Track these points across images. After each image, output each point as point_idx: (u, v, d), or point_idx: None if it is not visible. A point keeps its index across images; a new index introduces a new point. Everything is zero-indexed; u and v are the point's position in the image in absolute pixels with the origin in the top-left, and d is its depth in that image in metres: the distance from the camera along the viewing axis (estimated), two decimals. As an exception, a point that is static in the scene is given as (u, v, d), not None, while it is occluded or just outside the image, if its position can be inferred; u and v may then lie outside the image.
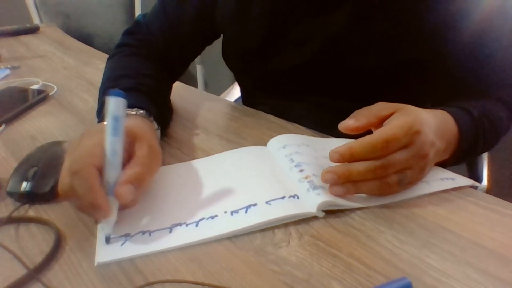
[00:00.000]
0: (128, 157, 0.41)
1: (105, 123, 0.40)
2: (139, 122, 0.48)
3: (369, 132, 0.44)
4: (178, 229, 0.40)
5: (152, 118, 0.52)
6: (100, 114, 0.55)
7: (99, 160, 0.38)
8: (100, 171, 0.38)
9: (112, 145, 0.39)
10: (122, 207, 0.40)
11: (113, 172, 0.39)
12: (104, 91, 0.58)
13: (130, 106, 0.50)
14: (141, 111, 0.51)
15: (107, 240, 0.38)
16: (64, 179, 0.38)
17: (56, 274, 0.36)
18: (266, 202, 0.42)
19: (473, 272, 0.35)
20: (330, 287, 0.33)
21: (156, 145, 0.46)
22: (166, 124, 0.62)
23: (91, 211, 0.38)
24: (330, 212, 0.42)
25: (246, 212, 0.41)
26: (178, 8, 0.69)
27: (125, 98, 0.40)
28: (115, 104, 0.39)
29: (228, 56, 0.74)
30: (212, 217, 0.41)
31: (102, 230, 0.39)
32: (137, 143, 0.42)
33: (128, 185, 0.38)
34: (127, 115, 0.48)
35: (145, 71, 0.63)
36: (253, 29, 0.64)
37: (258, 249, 0.38)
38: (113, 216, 0.38)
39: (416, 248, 0.37)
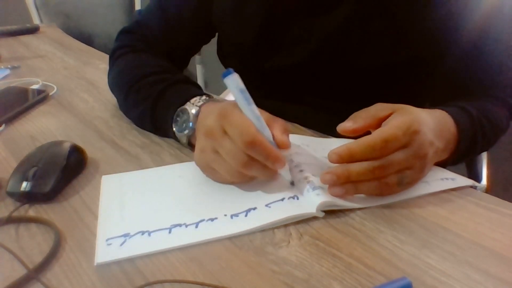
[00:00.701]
0: None
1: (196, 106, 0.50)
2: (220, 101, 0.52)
3: (369, 133, 0.44)
4: (177, 230, 0.40)
5: (213, 96, 0.55)
6: (160, 110, 0.56)
7: (255, 127, 0.42)
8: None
9: (253, 112, 0.43)
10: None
11: (266, 132, 0.44)
12: (144, 88, 0.59)
13: (198, 94, 0.54)
14: (204, 97, 0.53)
15: (293, 183, 0.45)
16: (239, 155, 0.41)
17: (56, 274, 0.36)
18: (266, 205, 0.42)
19: (473, 272, 0.35)
20: (330, 287, 0.33)
21: None
22: None
23: (273, 167, 0.42)
24: (330, 212, 0.42)
25: (246, 216, 0.41)
26: (176, 6, 0.69)
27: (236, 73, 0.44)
28: (235, 80, 0.43)
29: (224, 54, 0.73)
30: (212, 220, 0.41)
31: (285, 177, 0.45)
32: None
33: (285, 133, 0.45)
34: (208, 101, 0.52)
35: (173, 67, 0.65)
36: (248, 26, 0.64)
37: (258, 249, 0.38)
38: (286, 163, 0.44)
39: (416, 248, 0.37)
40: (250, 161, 0.41)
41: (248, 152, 0.41)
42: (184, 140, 0.53)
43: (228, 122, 0.42)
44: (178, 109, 0.53)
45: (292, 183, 0.45)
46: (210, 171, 0.46)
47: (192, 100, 0.52)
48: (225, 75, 0.43)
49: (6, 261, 0.37)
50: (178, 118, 0.53)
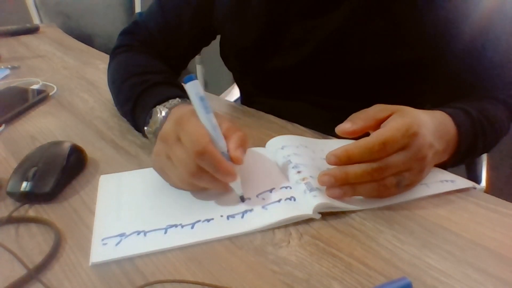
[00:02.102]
0: None
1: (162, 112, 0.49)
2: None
3: (368, 134, 0.44)
4: (173, 230, 0.40)
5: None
6: (137, 111, 0.57)
7: (209, 137, 0.42)
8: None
9: (210, 121, 0.43)
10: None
11: (221, 143, 0.43)
12: (132, 88, 0.59)
13: (172, 97, 0.53)
14: (184, 99, 0.54)
15: (242, 199, 0.43)
16: (189, 164, 0.41)
17: (56, 274, 0.36)
18: (263, 207, 0.42)
19: (473, 272, 0.35)
20: (330, 287, 0.33)
21: None
22: None
23: (223, 180, 0.42)
24: (330, 212, 0.42)
25: (242, 217, 0.41)
26: (176, 7, 0.69)
27: (196, 79, 0.43)
28: (195, 87, 0.43)
29: (226, 55, 0.74)
30: (208, 220, 0.41)
31: (235, 191, 0.44)
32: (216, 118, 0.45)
33: (240, 148, 0.43)
34: (180, 103, 0.53)
35: (163, 68, 0.65)
36: (250, 28, 0.64)
37: (258, 249, 0.38)
38: (239, 176, 0.43)
39: (416, 248, 0.37)
40: (200, 171, 0.41)
41: (197, 162, 0.40)
42: (153, 141, 0.53)
43: (183, 129, 0.42)
44: (151, 111, 0.53)
45: (242, 198, 0.43)
46: (164, 175, 0.45)
47: (164, 103, 0.53)
48: (186, 81, 0.42)
49: (6, 261, 0.37)
50: (149, 120, 0.53)
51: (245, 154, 0.43)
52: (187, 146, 0.40)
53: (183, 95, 0.54)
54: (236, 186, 0.43)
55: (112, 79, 0.68)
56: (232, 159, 0.42)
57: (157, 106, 0.53)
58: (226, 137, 0.44)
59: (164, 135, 0.43)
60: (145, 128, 0.54)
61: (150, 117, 0.53)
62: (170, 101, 0.53)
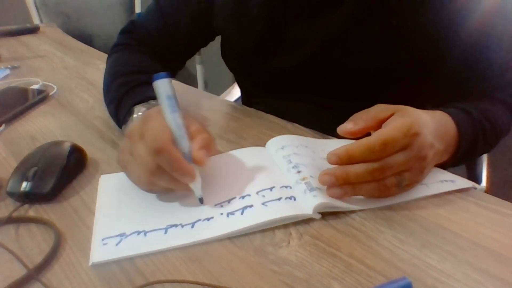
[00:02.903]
0: None
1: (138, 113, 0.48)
2: None
3: (369, 134, 0.44)
4: (173, 230, 0.40)
5: None
6: (120, 110, 0.57)
7: (170, 136, 0.42)
8: (174, 146, 0.42)
9: (175, 120, 0.42)
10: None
11: (184, 143, 0.42)
12: (119, 88, 0.59)
13: (154, 97, 0.52)
14: None
15: (201, 201, 0.43)
16: (148, 162, 0.40)
17: (56, 274, 0.36)
18: (263, 204, 0.42)
19: (473, 272, 0.35)
20: (330, 287, 0.33)
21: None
22: None
23: (180, 180, 0.41)
24: (330, 212, 0.42)
25: (242, 213, 0.41)
26: (174, 8, 0.69)
27: (170, 77, 0.43)
28: (164, 85, 0.43)
29: (226, 56, 0.74)
30: (208, 219, 0.41)
31: (195, 192, 0.43)
32: (186, 119, 0.45)
33: (202, 149, 0.43)
34: (153, 105, 0.52)
35: (154, 67, 0.65)
36: (251, 29, 0.65)
37: (258, 249, 0.38)
38: (199, 179, 0.43)
39: (416, 248, 0.37)
40: (158, 169, 0.40)
41: (155, 160, 0.40)
42: None
43: (146, 127, 0.42)
44: (130, 110, 0.54)
45: (201, 200, 0.43)
46: (127, 173, 0.45)
47: (144, 103, 0.53)
48: (154, 78, 0.42)
49: (6, 261, 0.37)
50: (128, 119, 0.54)
51: (209, 156, 0.43)
52: (147, 143, 0.40)
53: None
54: (196, 187, 0.42)
55: (104, 78, 0.68)
56: (193, 160, 0.42)
57: (136, 106, 0.53)
58: (192, 138, 0.43)
59: (129, 133, 0.44)
60: (123, 127, 0.54)
61: (130, 116, 0.53)
62: (151, 101, 0.53)
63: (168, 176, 0.41)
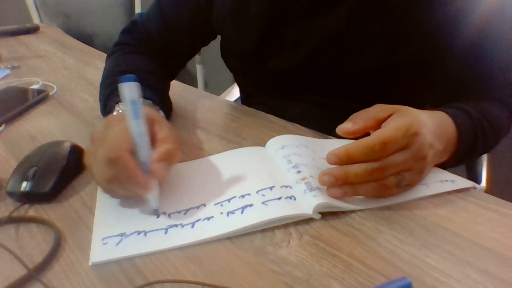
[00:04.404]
0: (151, 140, 0.43)
1: (119, 111, 0.45)
2: (150, 109, 0.50)
3: (368, 134, 0.44)
4: (173, 230, 0.40)
5: (158, 107, 0.54)
6: (106, 109, 0.56)
7: (129, 144, 0.41)
8: (132, 154, 0.41)
9: (137, 127, 0.41)
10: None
11: (144, 153, 0.41)
12: (108, 87, 0.60)
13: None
14: (148, 101, 0.53)
15: (156, 212, 0.42)
16: (103, 170, 0.40)
17: (56, 274, 0.36)
18: (263, 203, 0.42)
19: (473, 272, 0.35)
20: (330, 287, 0.33)
21: (173, 128, 0.48)
22: (168, 119, 0.64)
23: (135, 191, 0.41)
24: (330, 212, 0.42)
25: (242, 212, 0.41)
26: (175, 8, 0.69)
27: (136, 81, 0.41)
28: (129, 89, 0.41)
29: (226, 56, 0.74)
30: (208, 218, 0.41)
31: (150, 203, 0.42)
32: (156, 125, 0.45)
33: (162, 162, 0.41)
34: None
35: (147, 68, 0.65)
36: (250, 29, 0.65)
37: (258, 249, 0.38)
38: (156, 190, 0.41)
39: (416, 248, 0.37)
40: (113, 178, 0.40)
41: (111, 169, 0.39)
42: None
43: (107, 132, 0.41)
44: (112, 109, 0.53)
45: (156, 212, 0.42)
46: (91, 174, 0.44)
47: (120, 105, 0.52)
48: (120, 81, 0.40)
49: (6, 261, 0.37)
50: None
51: (169, 168, 0.42)
52: (103, 152, 0.40)
53: (153, 98, 0.54)
54: (152, 198, 0.41)
55: (101, 79, 0.68)
56: (151, 171, 0.41)
57: (118, 104, 0.52)
58: (157, 147, 0.42)
59: (93, 135, 0.43)
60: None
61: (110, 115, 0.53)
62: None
63: (124, 186, 0.40)
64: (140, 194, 0.41)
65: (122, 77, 0.41)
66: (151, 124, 0.44)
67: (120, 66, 0.65)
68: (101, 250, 0.38)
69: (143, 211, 0.43)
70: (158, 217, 0.42)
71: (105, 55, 0.72)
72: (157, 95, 0.57)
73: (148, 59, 0.68)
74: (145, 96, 0.53)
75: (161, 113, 0.54)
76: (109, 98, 0.57)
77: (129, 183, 0.40)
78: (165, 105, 0.58)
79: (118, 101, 0.52)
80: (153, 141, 0.43)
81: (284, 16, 0.62)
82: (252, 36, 0.65)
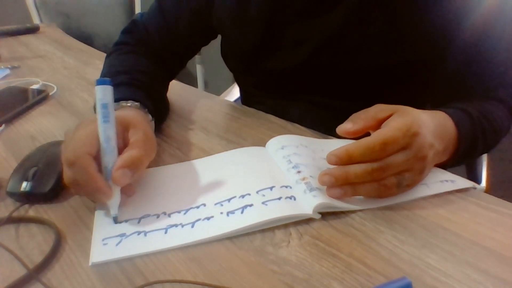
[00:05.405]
0: (124, 145, 0.43)
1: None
2: (133, 112, 0.50)
3: (368, 134, 0.44)
4: (173, 230, 0.40)
5: (146, 110, 0.54)
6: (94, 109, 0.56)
7: (94, 148, 0.40)
8: (97, 158, 0.41)
9: (104, 131, 0.41)
10: (126, 194, 0.44)
11: (109, 158, 0.41)
12: None
13: (125, 98, 0.52)
14: (136, 103, 0.53)
15: (115, 220, 0.41)
16: (65, 171, 0.41)
17: (56, 274, 0.36)
18: (263, 203, 0.42)
19: (473, 272, 0.35)
20: (330, 287, 0.33)
21: (150, 132, 0.48)
22: (162, 120, 0.63)
23: (95, 196, 0.41)
24: (330, 212, 0.42)
25: (242, 212, 0.41)
26: (175, 8, 0.69)
27: (111, 85, 0.41)
28: (102, 92, 0.41)
29: (226, 55, 0.74)
30: (208, 218, 0.41)
31: (108, 212, 0.41)
32: (131, 130, 0.44)
33: (123, 169, 0.40)
34: (122, 106, 0.51)
35: (142, 68, 0.64)
36: (250, 29, 0.65)
37: (258, 249, 0.38)
38: (116, 197, 0.41)
39: (416, 248, 0.37)
40: (73, 181, 0.40)
41: (69, 171, 0.39)
42: None
43: (75, 134, 0.41)
44: None
45: (115, 220, 0.41)
46: None
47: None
48: (96, 83, 0.41)
49: (6, 261, 0.37)
50: None
51: (131, 175, 0.40)
52: (66, 154, 0.40)
53: (142, 100, 0.53)
54: (112, 204, 0.41)
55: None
56: (111, 177, 0.40)
57: None
58: (122, 154, 0.42)
59: (65, 135, 0.43)
60: None
61: None
62: (121, 102, 0.52)
63: (84, 189, 0.40)
64: (100, 200, 0.41)
65: (98, 79, 0.41)
66: (126, 128, 0.44)
67: (116, 67, 0.64)
68: (101, 251, 0.38)
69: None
70: (116, 223, 0.41)
71: (105, 55, 0.72)
72: (148, 97, 0.56)
73: (147, 59, 0.67)
74: (134, 98, 0.53)
75: (149, 115, 0.54)
76: None
77: (87, 188, 0.39)
78: (157, 107, 0.58)
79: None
80: (125, 147, 0.43)
81: (284, 16, 0.62)
82: (252, 35, 0.65)
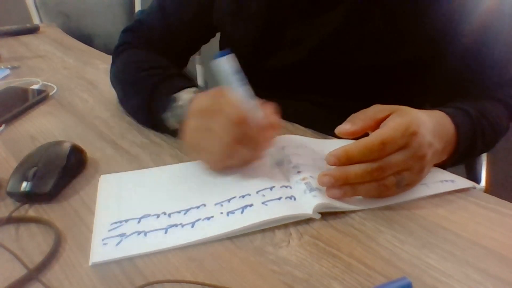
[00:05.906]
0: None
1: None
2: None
3: (367, 135, 0.44)
4: (173, 230, 0.40)
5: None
6: (157, 98, 0.57)
7: (244, 108, 0.44)
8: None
9: (246, 93, 0.45)
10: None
11: (258, 113, 0.45)
12: (144, 80, 0.60)
13: (190, 86, 0.55)
14: (194, 88, 0.55)
15: (280, 163, 0.48)
16: (230, 132, 0.43)
17: (56, 274, 0.36)
18: (263, 203, 0.42)
19: (473, 272, 0.35)
20: (330, 287, 0.33)
21: None
22: None
23: (258, 149, 0.46)
24: (330, 212, 0.42)
25: (242, 212, 0.41)
26: (176, 6, 0.69)
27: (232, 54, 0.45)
28: (230, 61, 0.45)
29: None
30: (208, 218, 0.41)
31: (273, 157, 0.48)
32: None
33: (275, 114, 0.46)
34: (193, 92, 0.54)
35: (167, 63, 0.66)
36: (250, 27, 0.65)
37: (258, 249, 0.38)
38: (277, 143, 0.47)
39: (416, 248, 0.37)
40: (238, 141, 0.43)
41: (237, 131, 0.43)
42: (174, 124, 0.54)
43: (220, 102, 0.44)
44: (173, 95, 0.54)
45: (280, 163, 0.47)
46: (199, 151, 0.47)
47: (187, 90, 0.54)
48: (218, 56, 0.44)
49: (6, 261, 0.37)
50: (173, 104, 0.53)
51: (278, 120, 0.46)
52: (228, 115, 0.43)
53: (195, 84, 0.56)
54: (274, 152, 0.47)
55: (118, 76, 0.68)
56: (269, 124, 0.45)
57: (178, 93, 0.53)
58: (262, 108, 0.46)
59: (200, 109, 0.45)
60: (168, 112, 0.54)
61: (173, 102, 0.53)
62: (193, 88, 0.54)
63: (247, 147, 0.44)
64: (262, 151, 0.46)
65: (219, 52, 0.44)
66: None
67: (148, 62, 0.65)
68: (101, 251, 0.38)
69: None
70: (281, 165, 0.48)
71: (105, 55, 0.73)
72: (193, 81, 0.59)
73: (157, 56, 0.68)
74: (193, 84, 0.56)
75: None
76: (159, 88, 0.57)
77: (256, 140, 0.44)
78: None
79: (176, 91, 0.53)
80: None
81: (284, 14, 0.62)
82: (251, 34, 0.65)
